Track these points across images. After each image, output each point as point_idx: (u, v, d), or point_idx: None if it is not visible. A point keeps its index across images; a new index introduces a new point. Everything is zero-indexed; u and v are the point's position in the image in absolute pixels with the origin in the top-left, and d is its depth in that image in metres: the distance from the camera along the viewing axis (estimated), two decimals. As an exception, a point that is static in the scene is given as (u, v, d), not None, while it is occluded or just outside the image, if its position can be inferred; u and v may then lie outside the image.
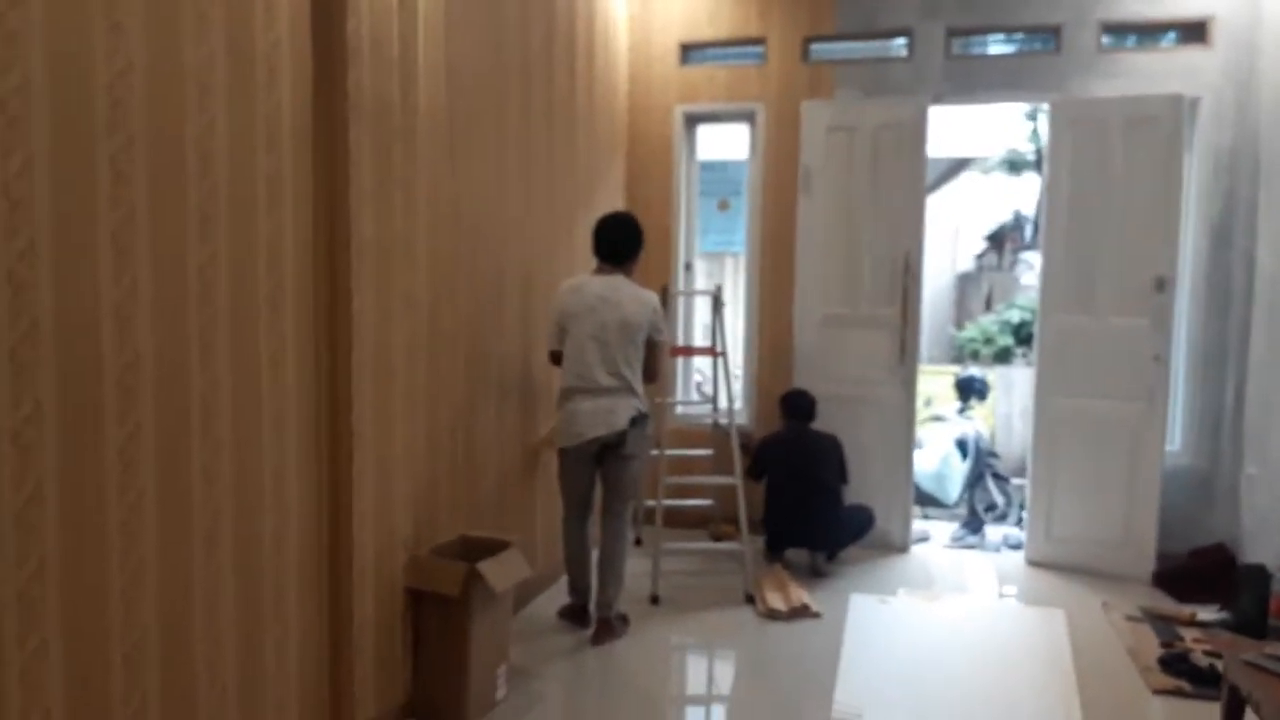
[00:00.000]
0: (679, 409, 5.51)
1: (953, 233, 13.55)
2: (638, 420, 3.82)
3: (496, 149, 3.78)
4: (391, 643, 3.07)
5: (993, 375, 7.80)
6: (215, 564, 2.39)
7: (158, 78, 2.14)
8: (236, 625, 2.47)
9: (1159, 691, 3.45)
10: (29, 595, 1.86)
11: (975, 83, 5.03)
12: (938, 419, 7.35)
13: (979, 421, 7.03)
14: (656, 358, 3.93)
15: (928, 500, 6.43)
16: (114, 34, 2.02)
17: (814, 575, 4.69)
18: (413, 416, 3.16)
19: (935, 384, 8.46)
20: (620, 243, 3.88)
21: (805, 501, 4.66)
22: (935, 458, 6.68)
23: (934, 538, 5.50)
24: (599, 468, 3.92)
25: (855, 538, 4.88)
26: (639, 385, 3.85)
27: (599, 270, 3.89)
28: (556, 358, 3.90)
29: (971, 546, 5.38)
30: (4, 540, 1.80)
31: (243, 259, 2.43)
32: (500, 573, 3.15)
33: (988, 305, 11.53)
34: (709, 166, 7.44)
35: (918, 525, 5.64)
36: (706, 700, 3.63)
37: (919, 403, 8.04)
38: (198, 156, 2.28)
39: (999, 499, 6.27)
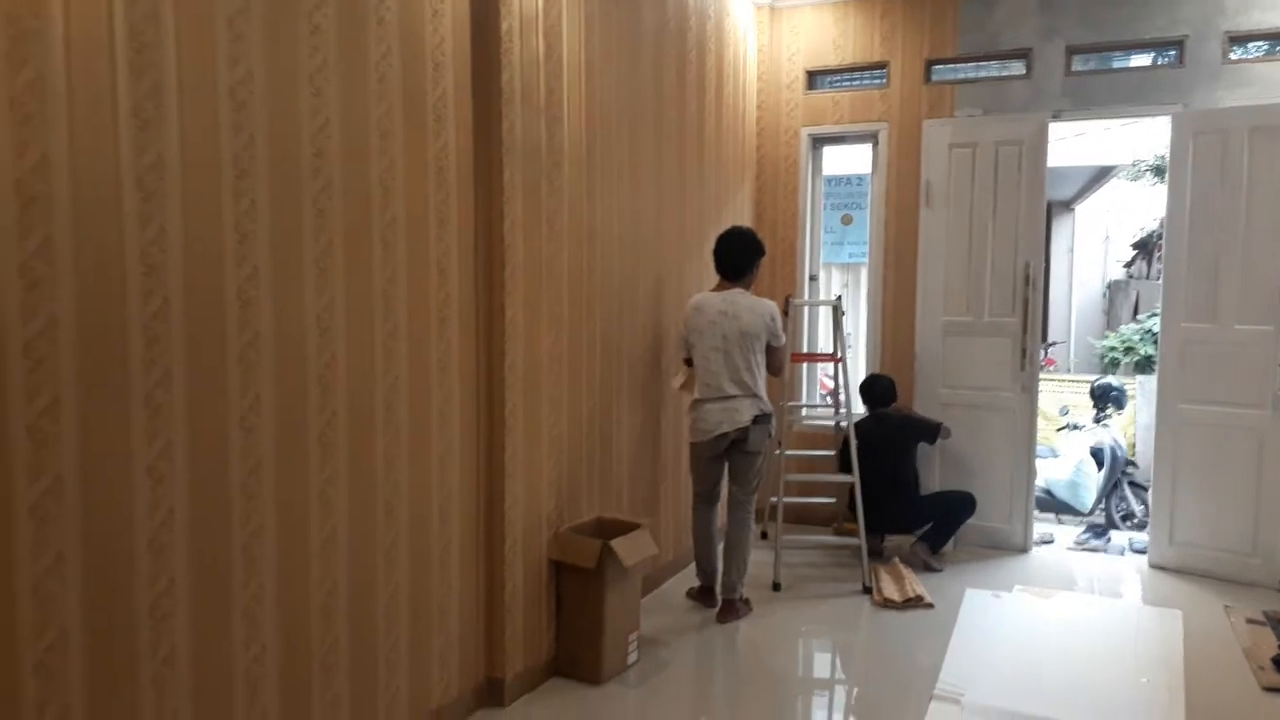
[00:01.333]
0: (804, 412, 5.81)
1: (1102, 240, 13.17)
2: (760, 419, 4.18)
3: (632, 177, 4.22)
4: (537, 607, 3.54)
5: (1133, 384, 7.67)
6: (393, 533, 2.91)
7: (349, 130, 2.68)
8: (409, 584, 2.98)
9: (1269, 689, 3.52)
10: (251, 551, 2.40)
11: (1095, 98, 5.13)
12: (1074, 427, 7.33)
13: (1116, 430, 6.98)
14: (778, 358, 4.31)
15: (1063, 508, 6.46)
16: (316, 97, 2.56)
17: (927, 570, 4.90)
18: (555, 413, 3.63)
19: (1074, 392, 8.38)
20: (737, 260, 4.26)
21: (872, 486, 4.90)
22: (1069, 466, 6.69)
23: (1058, 540, 5.58)
24: (725, 462, 4.29)
25: (947, 522, 5.03)
26: (761, 389, 4.20)
27: (719, 286, 4.28)
28: (689, 364, 4.31)
29: (1095, 550, 5.43)
30: (234, 506, 2.35)
31: (417, 278, 2.95)
32: (630, 549, 3.57)
33: (1135, 314, 11.17)
34: (834, 180, 7.68)
35: (1042, 528, 5.72)
36: (819, 676, 3.94)
37: (1055, 410, 8.02)
38: (381, 193, 2.80)
39: (1137, 507, 6.25)
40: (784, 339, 4.34)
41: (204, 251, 2.21)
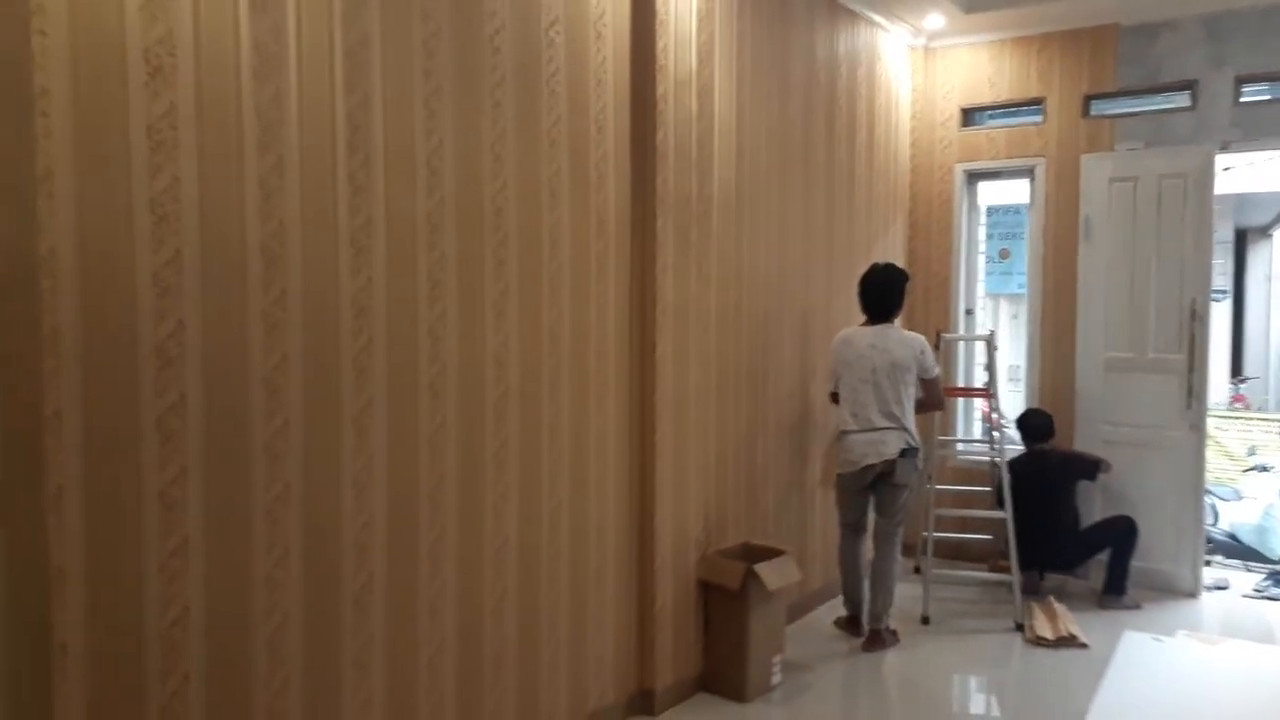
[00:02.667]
0: (959, 447, 5.82)
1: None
2: (907, 452, 4.27)
3: (779, 220, 4.46)
4: (686, 624, 3.78)
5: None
6: (556, 545, 3.24)
7: (523, 189, 3.05)
8: (569, 594, 3.30)
9: None
10: (435, 554, 2.78)
11: (1266, 128, 4.96)
12: (1262, 469, 6.93)
13: (1309, 473, 6.56)
14: (933, 390, 4.42)
15: (1249, 554, 6.12)
16: (496, 162, 2.95)
17: (1100, 608, 4.82)
18: (703, 442, 3.89)
19: (1265, 431, 7.88)
20: (884, 300, 4.40)
21: (1029, 523, 4.84)
22: (1257, 510, 6.34)
23: (1234, 587, 5.32)
24: (872, 494, 4.42)
25: (1116, 560, 4.92)
26: (910, 422, 4.31)
27: (866, 323, 4.43)
28: (835, 398, 4.48)
29: (1276, 599, 5.15)
30: (422, 514, 2.74)
31: (579, 318, 3.29)
32: (774, 574, 3.77)
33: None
34: (997, 210, 7.61)
35: (1218, 573, 5.47)
36: (963, 708, 3.98)
37: (1242, 450, 7.58)
38: (549, 242, 3.17)
39: (1335, 556, 5.86)
40: (936, 371, 4.42)
41: (402, 297, 2.62)
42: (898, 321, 4.47)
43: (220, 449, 2.18)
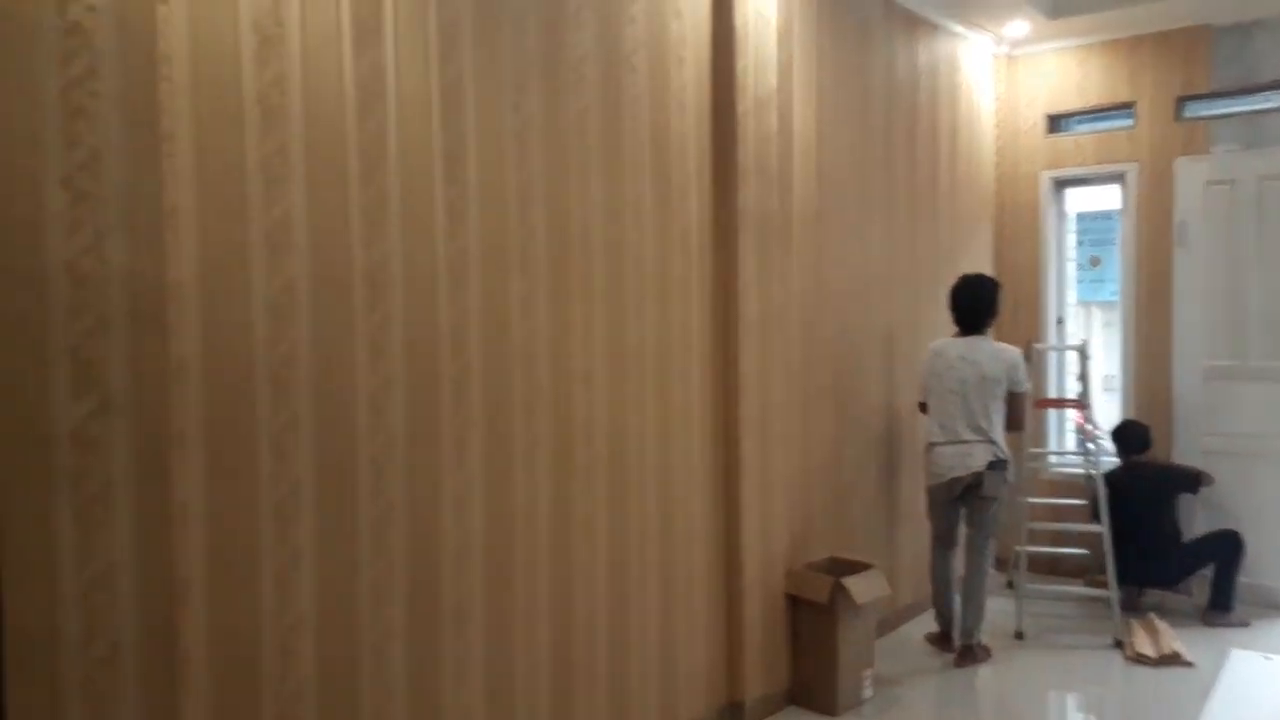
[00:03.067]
0: (1052, 459, 5.69)
1: None
2: (995, 465, 4.21)
3: (861, 232, 4.45)
4: (774, 637, 3.79)
5: None
6: (645, 560, 3.29)
7: (609, 212, 3.13)
8: (658, 608, 3.34)
9: None
10: (530, 569, 2.86)
11: (1375, 122, 4.76)
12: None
13: None
14: (1018, 407, 4.33)
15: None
16: (583, 188, 3.04)
17: (1205, 626, 4.66)
18: (788, 456, 3.90)
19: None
20: (974, 311, 4.36)
21: (1128, 537, 4.69)
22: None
23: (1352, 605, 5.06)
24: (961, 507, 4.36)
25: (1221, 576, 4.74)
26: (998, 435, 4.25)
27: (958, 334, 4.38)
28: (924, 408, 4.45)
29: (1401, 618, 4.88)
30: (518, 530, 2.82)
31: (664, 336, 3.35)
32: (862, 588, 3.75)
33: None
34: (1086, 217, 7.43)
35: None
36: (1064, 730, 3.89)
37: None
38: (633, 262, 3.24)
39: None
40: (1026, 385, 4.35)
41: (497, 321, 2.72)
42: (990, 333, 4.41)
43: (329, 466, 2.29)
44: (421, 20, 2.49)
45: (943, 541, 4.45)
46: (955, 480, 4.24)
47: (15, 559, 1.68)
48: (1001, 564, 5.35)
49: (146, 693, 1.92)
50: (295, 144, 2.20)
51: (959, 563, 4.46)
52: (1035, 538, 5.02)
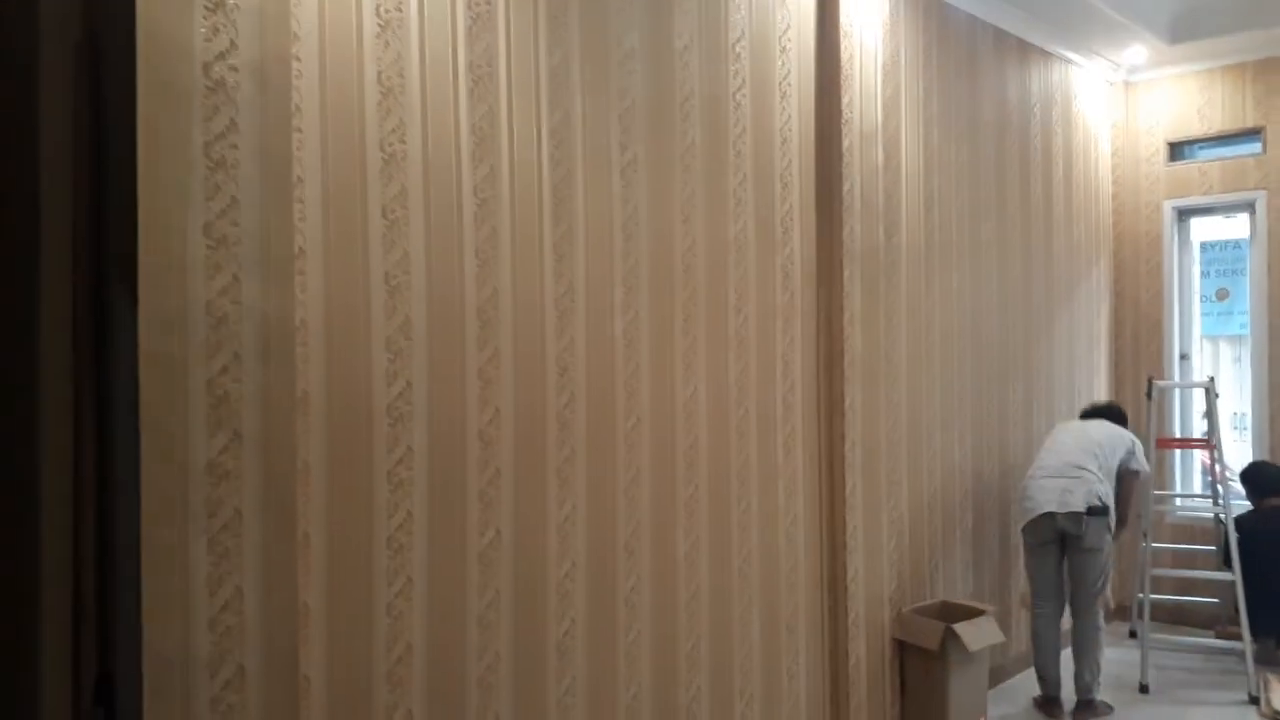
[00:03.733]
0: (1178, 502, 5.41)
1: None
2: (1096, 510, 3.91)
3: (972, 265, 4.36)
4: (881, 682, 3.70)
5: None
6: (746, 596, 3.26)
7: (711, 247, 3.15)
8: (761, 645, 3.31)
9: None
10: (631, 601, 2.87)
11: None
12: None
13: None
14: (1129, 490, 4.12)
15: None
16: (685, 223, 3.07)
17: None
18: (895, 494, 3.82)
19: None
20: (1098, 413, 4.37)
21: (1264, 586, 4.40)
22: None
23: None
24: (1061, 556, 4.07)
25: None
26: (1104, 482, 3.98)
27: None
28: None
29: None
30: (619, 562, 2.84)
31: (765, 369, 3.34)
32: (974, 634, 3.63)
33: None
34: (1213, 246, 7.12)
35: None
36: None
37: None
38: (735, 297, 3.25)
39: None
40: (1145, 469, 4.16)
41: (600, 355, 2.77)
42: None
43: (441, 497, 2.36)
44: (532, 66, 2.57)
45: (1044, 595, 4.12)
46: (1047, 518, 3.94)
47: (155, 585, 1.78)
48: (1122, 612, 5.10)
49: (269, 714, 2.00)
50: (414, 188, 2.30)
51: (1065, 619, 4.19)
52: (1160, 585, 4.78)
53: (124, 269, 1.73)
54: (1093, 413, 4.41)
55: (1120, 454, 4.06)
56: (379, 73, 2.23)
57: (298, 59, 2.09)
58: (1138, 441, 4.15)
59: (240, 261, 1.92)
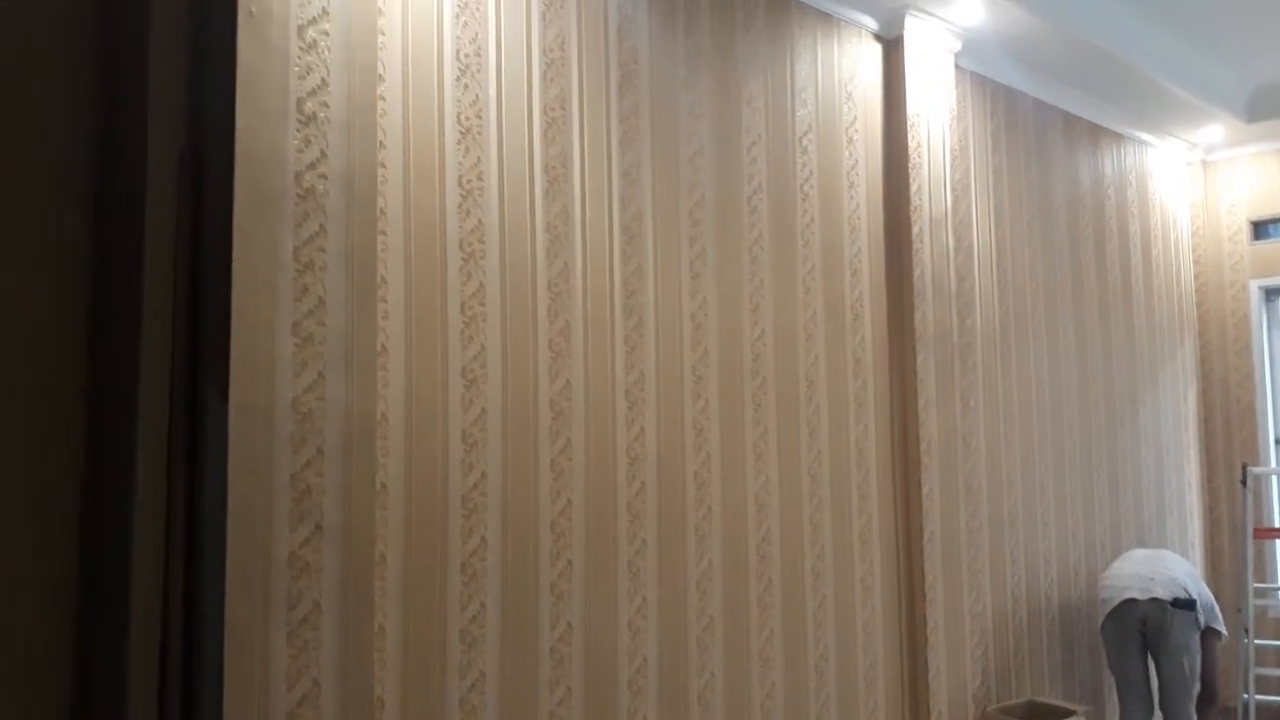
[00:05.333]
0: (1281, 597, 5.12)
1: None
2: (1181, 603, 3.69)
3: (1049, 347, 4.28)
4: (966, 786, 3.53)
5: None
6: (823, 694, 3.17)
7: (780, 334, 3.16)
8: (839, 744, 3.19)
9: None
10: (705, 697, 2.81)
11: None
12: None
13: None
14: (1213, 655, 3.82)
15: None
16: (754, 312, 3.09)
17: None
18: (978, 586, 3.70)
19: None
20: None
21: None
22: None
23: None
24: (1145, 651, 3.82)
25: None
26: (1195, 585, 3.80)
27: None
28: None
29: None
30: (692, 659, 2.79)
31: (839, 457, 3.31)
32: (1064, 736, 3.46)
33: None
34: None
35: None
36: None
37: None
38: (806, 384, 3.24)
39: None
40: (1224, 629, 3.87)
41: (670, 445, 2.77)
42: None
43: (513, 590, 2.37)
44: (605, 165, 2.66)
45: (1131, 692, 3.82)
46: (1129, 605, 3.72)
47: (236, 675, 1.81)
48: (1226, 714, 4.80)
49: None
50: (491, 285, 2.37)
51: None
52: (1265, 685, 4.49)
53: (216, 366, 1.82)
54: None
55: (1204, 591, 3.84)
56: (459, 176, 2.33)
57: (383, 165, 2.19)
58: (1214, 602, 3.91)
59: (325, 359, 2.00)
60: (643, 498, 2.69)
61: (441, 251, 2.29)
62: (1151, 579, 3.77)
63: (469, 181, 2.34)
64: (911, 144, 3.57)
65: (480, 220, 2.36)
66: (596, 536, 2.57)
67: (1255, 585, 4.59)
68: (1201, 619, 3.76)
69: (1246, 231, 5.36)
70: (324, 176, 2.01)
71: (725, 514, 2.92)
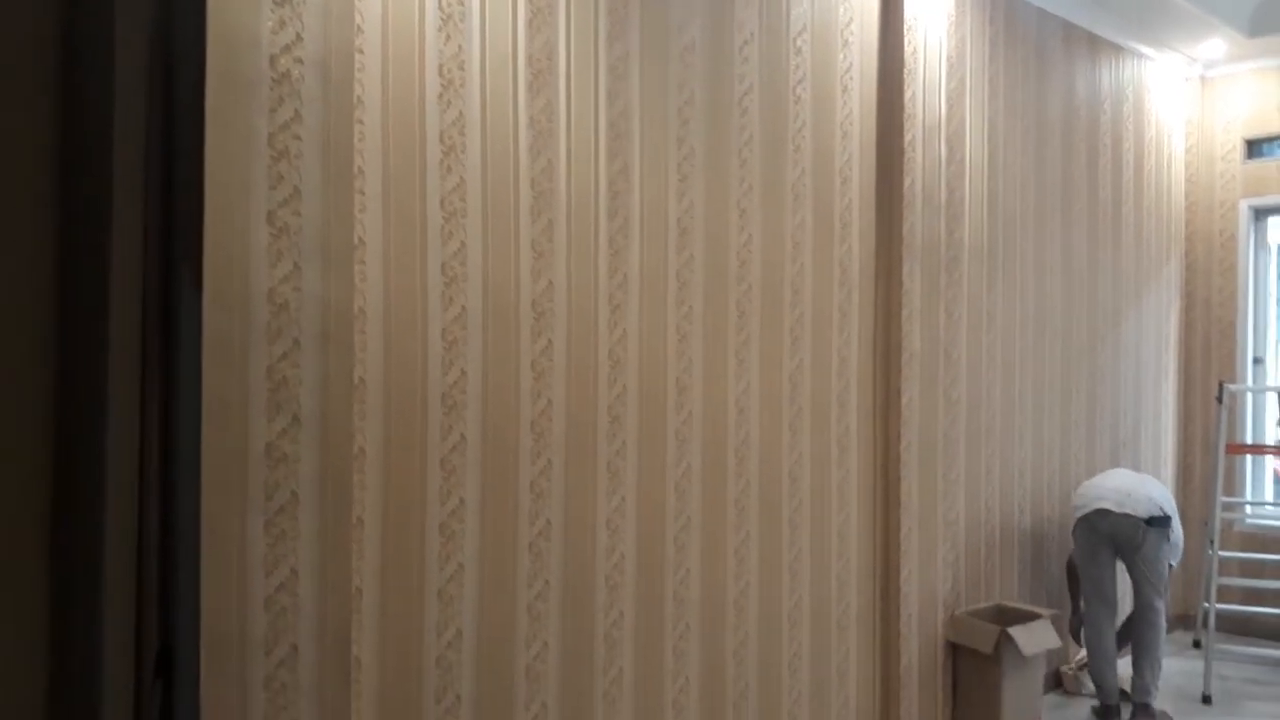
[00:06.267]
0: (1248, 510, 5.23)
1: None
2: (1156, 521, 3.80)
3: (1036, 262, 4.26)
4: (933, 685, 3.65)
5: None
6: (797, 593, 3.24)
7: (767, 242, 3.13)
8: (810, 644, 3.28)
9: None
10: (680, 595, 2.87)
11: None
12: None
13: None
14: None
15: None
16: (741, 217, 3.05)
17: None
18: (953, 495, 3.76)
19: None
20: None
21: None
22: None
23: None
24: (1115, 554, 3.95)
25: None
26: (1169, 502, 3.90)
27: None
28: (1071, 569, 4.16)
29: None
30: (669, 557, 2.84)
31: (821, 366, 3.31)
32: (1029, 639, 3.56)
33: None
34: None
35: None
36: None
37: None
38: (791, 292, 3.22)
39: None
40: (1176, 564, 3.97)
41: (653, 349, 2.77)
42: None
43: (493, 486, 2.39)
44: (592, 60, 2.58)
45: (1098, 597, 3.98)
46: (1102, 515, 3.83)
47: (214, 565, 1.83)
48: (1186, 620, 4.97)
49: (320, 693, 2.04)
50: (472, 180, 2.32)
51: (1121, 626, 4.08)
52: (1226, 594, 4.63)
53: (190, 256, 1.78)
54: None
55: (1178, 526, 3.92)
56: (440, 65, 2.26)
57: (361, 52, 2.12)
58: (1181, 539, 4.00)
59: (301, 250, 1.96)
60: (624, 400, 2.69)
61: (421, 144, 2.23)
62: (1129, 494, 3.86)
63: (450, 71, 2.27)
64: (908, 49, 3.48)
65: (461, 112, 2.29)
66: (576, 437, 2.58)
67: (1223, 499, 4.68)
68: (1172, 537, 3.88)
69: (1240, 150, 5.31)
70: (299, 60, 1.94)
71: (706, 418, 2.94)
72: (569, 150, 2.53)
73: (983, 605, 3.88)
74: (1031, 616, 3.73)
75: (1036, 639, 3.59)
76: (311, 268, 1.98)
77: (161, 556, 1.74)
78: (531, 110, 2.44)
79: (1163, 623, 3.98)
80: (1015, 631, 3.53)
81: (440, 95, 2.26)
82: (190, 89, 1.80)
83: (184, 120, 1.75)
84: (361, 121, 2.13)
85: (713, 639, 2.96)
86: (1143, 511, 3.82)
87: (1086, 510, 3.92)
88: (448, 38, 2.28)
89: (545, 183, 2.48)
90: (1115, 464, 4.05)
